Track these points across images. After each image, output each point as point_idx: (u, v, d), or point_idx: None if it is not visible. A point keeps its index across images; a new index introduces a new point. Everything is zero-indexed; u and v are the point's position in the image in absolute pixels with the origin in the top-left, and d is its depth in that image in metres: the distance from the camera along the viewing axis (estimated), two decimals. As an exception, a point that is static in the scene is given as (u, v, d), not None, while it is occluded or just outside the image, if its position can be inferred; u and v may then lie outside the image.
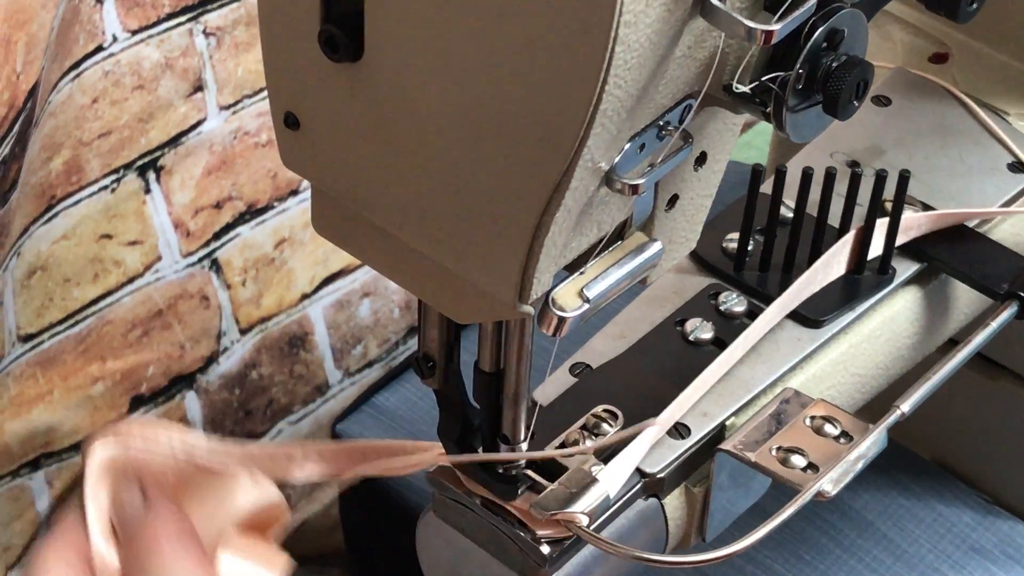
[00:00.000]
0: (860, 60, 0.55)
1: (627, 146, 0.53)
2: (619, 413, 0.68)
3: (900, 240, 0.73)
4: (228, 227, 1.13)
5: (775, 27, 0.49)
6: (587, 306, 0.58)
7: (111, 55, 1.02)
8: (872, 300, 0.73)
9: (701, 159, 0.60)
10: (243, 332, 1.17)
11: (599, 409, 0.68)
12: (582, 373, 0.71)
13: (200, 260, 1.12)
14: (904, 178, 0.71)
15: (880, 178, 0.72)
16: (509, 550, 0.68)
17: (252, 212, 1.14)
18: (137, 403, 1.11)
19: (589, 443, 0.68)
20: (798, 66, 0.53)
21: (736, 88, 0.54)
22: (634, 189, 0.54)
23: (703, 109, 0.56)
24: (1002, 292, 0.72)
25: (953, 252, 0.74)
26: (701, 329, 0.72)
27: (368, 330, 1.23)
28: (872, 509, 0.88)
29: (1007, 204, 0.76)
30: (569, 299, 0.57)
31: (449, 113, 0.53)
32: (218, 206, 1.12)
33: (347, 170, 0.59)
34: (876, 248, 0.73)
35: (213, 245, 1.13)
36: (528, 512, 0.67)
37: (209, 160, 1.10)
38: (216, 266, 1.14)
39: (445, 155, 0.54)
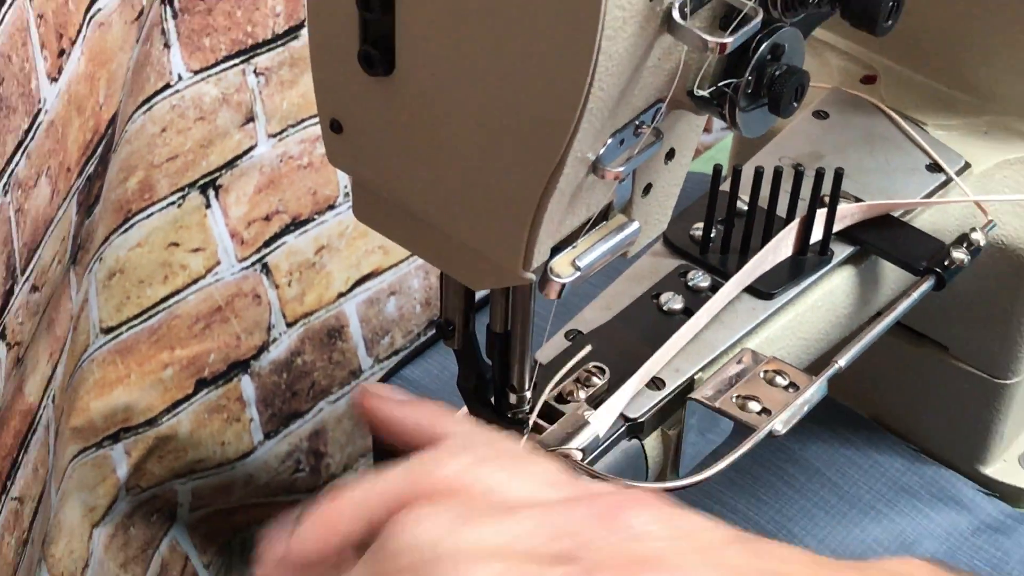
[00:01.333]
0: (798, 69, 0.55)
1: (609, 141, 0.54)
2: (606, 369, 0.68)
3: (837, 227, 0.73)
4: (276, 236, 1.13)
5: (728, 40, 0.50)
6: (578, 273, 0.58)
7: (177, 91, 1.02)
8: (814, 277, 0.73)
9: (670, 154, 0.60)
10: (289, 325, 1.17)
11: (590, 366, 0.69)
12: (575, 338, 0.71)
13: (252, 264, 1.13)
14: (839, 176, 0.71)
15: (819, 176, 0.72)
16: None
17: (296, 224, 1.14)
18: (200, 385, 1.12)
19: (582, 394, 0.69)
20: (747, 74, 0.54)
21: (697, 92, 0.55)
22: (615, 176, 0.55)
23: (671, 111, 0.57)
24: (921, 269, 0.73)
25: (881, 237, 0.74)
26: (672, 301, 0.72)
27: (394, 323, 1.24)
28: (819, 458, 0.88)
29: (926, 197, 0.77)
30: (564, 268, 0.57)
31: (465, 115, 0.54)
32: (267, 219, 1.12)
33: (382, 165, 0.59)
34: (817, 234, 0.73)
35: (263, 252, 1.13)
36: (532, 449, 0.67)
37: (259, 180, 1.10)
38: (266, 269, 1.14)
39: (462, 149, 0.55)
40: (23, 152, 0.82)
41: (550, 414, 0.69)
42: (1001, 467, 0.88)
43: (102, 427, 1.07)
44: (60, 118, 0.86)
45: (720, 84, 0.55)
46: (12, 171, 0.80)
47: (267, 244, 1.13)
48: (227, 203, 1.09)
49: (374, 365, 1.21)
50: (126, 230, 1.04)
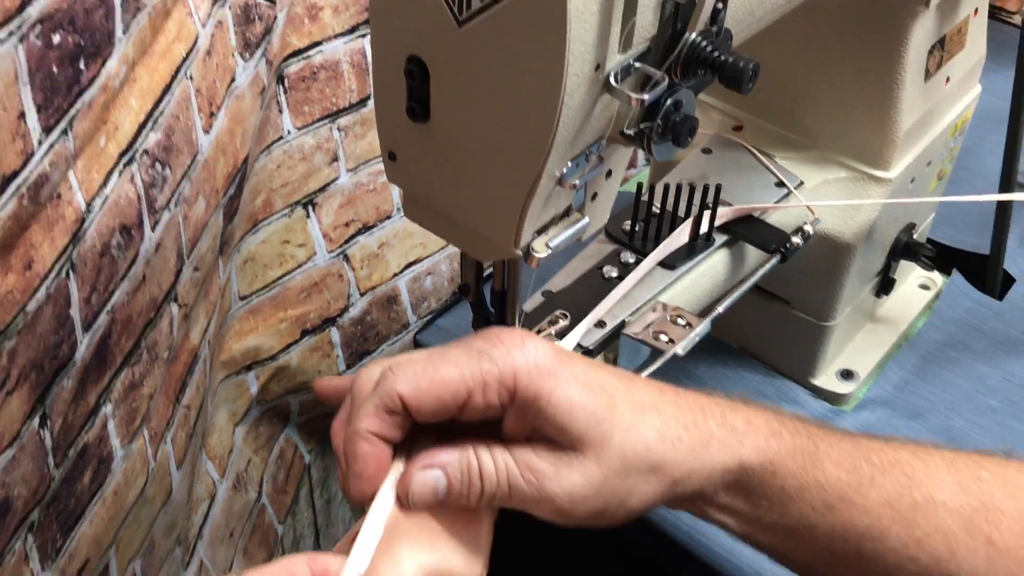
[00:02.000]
0: (691, 116, 0.53)
1: (569, 163, 0.52)
2: (568, 315, 0.67)
3: (717, 223, 0.71)
4: (352, 237, 1.11)
5: (645, 97, 0.49)
6: (550, 251, 0.55)
7: (287, 141, 1.00)
8: (702, 255, 0.71)
9: (609, 174, 0.58)
10: (361, 295, 1.15)
11: (557, 313, 0.67)
12: (547, 295, 0.69)
13: (337, 255, 1.11)
14: (718, 189, 0.70)
15: (705, 190, 0.71)
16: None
17: (365, 228, 1.12)
18: (304, 333, 1.09)
19: (552, 330, 0.66)
20: (658, 119, 0.52)
21: (626, 132, 0.53)
22: (572, 186, 0.53)
23: (609, 144, 0.55)
24: (772, 249, 0.72)
25: (746, 229, 0.72)
26: (611, 271, 0.70)
27: (430, 293, 1.21)
28: (705, 374, 0.87)
29: (776, 204, 0.75)
30: (541, 247, 0.55)
31: (476, 148, 0.53)
32: (347, 225, 1.10)
33: (422, 180, 0.57)
34: (704, 227, 0.71)
35: (344, 246, 1.11)
36: None
37: (341, 199, 1.08)
38: (346, 258, 1.12)
39: (474, 169, 0.54)
40: (186, 179, 0.80)
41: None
42: (825, 379, 0.86)
43: (240, 361, 1.06)
44: (211, 157, 0.84)
45: (640, 126, 0.53)
46: (179, 191, 0.78)
47: (347, 242, 1.11)
48: (320, 215, 1.07)
49: (417, 320, 1.19)
50: (255, 232, 1.02)
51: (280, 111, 0.98)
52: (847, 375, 0.85)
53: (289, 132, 1.00)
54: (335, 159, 1.05)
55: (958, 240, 0.94)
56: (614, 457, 0.47)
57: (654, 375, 0.63)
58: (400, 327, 1.20)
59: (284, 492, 1.18)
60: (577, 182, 0.52)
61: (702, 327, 0.64)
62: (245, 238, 1.01)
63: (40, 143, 0.59)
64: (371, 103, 1.05)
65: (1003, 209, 0.87)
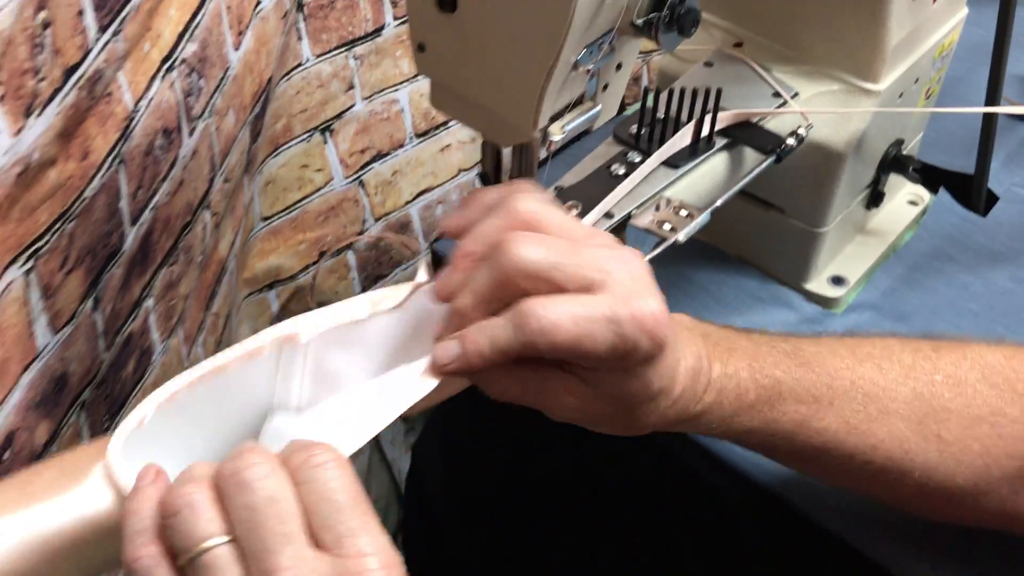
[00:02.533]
0: (695, 9, 0.57)
1: (583, 50, 0.55)
2: (579, 206, 0.68)
3: (717, 127, 0.74)
4: (367, 164, 1.16)
5: None
6: (564, 135, 0.59)
7: (305, 68, 1.05)
8: (703, 156, 0.73)
9: (619, 66, 0.61)
10: (376, 220, 1.20)
11: (569, 203, 0.68)
12: (559, 190, 0.71)
13: (353, 180, 1.15)
14: (719, 93, 0.73)
15: (707, 95, 0.73)
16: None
17: (380, 156, 1.16)
18: (322, 255, 1.15)
19: None
20: (664, 10, 0.56)
21: (636, 22, 0.56)
22: (587, 71, 0.56)
23: (620, 36, 0.57)
24: (768, 150, 0.75)
25: (744, 133, 0.76)
26: (618, 169, 0.72)
27: (439, 221, 1.28)
28: (705, 279, 0.89)
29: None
30: (556, 131, 0.59)
31: (500, 36, 0.55)
32: (362, 152, 1.15)
33: (450, 69, 0.59)
34: (706, 131, 0.74)
35: (360, 173, 1.16)
36: None
37: (356, 127, 1.13)
38: (362, 184, 1.17)
39: (498, 57, 0.56)
40: (218, 92, 0.84)
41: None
42: (816, 284, 0.88)
43: (262, 279, 1.11)
44: (239, 74, 0.88)
45: (648, 16, 0.56)
46: (212, 102, 0.82)
47: (362, 168, 1.16)
48: (337, 141, 1.12)
49: (427, 247, 1.23)
50: (276, 155, 1.07)
51: (299, 38, 1.03)
52: (837, 281, 0.89)
53: (308, 59, 1.05)
54: (351, 87, 1.10)
55: (945, 163, 0.99)
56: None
57: (657, 260, 0.66)
58: (411, 254, 1.25)
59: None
60: (591, 67, 0.56)
61: (702, 217, 0.67)
62: (267, 161, 1.06)
63: (96, 40, 0.64)
64: (386, 32, 1.10)
65: (987, 128, 0.92)
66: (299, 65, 1.05)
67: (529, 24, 0.54)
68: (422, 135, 1.19)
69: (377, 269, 1.22)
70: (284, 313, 1.14)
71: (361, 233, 1.18)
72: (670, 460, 0.82)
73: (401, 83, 1.14)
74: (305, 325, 0.53)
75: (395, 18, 1.11)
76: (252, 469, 0.43)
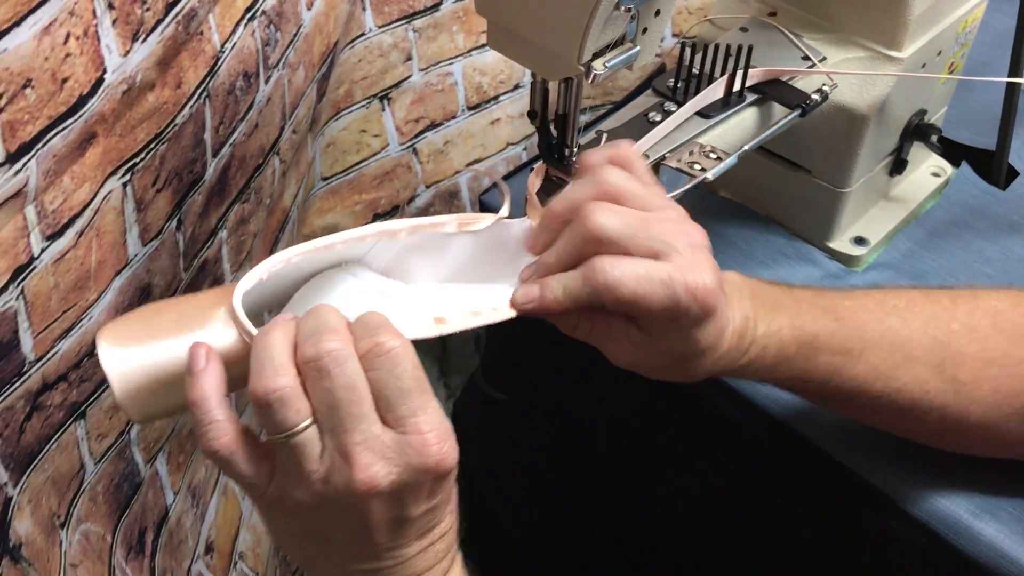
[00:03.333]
0: None
1: None
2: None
3: (748, 83, 0.79)
4: (421, 132, 1.21)
5: None
6: (607, 70, 0.63)
7: (368, 38, 1.10)
8: (735, 108, 0.79)
9: (657, 12, 0.65)
10: (427, 187, 1.25)
11: (607, 144, 0.69)
12: (599, 134, 0.75)
13: (407, 147, 1.20)
14: (750, 50, 0.78)
15: (739, 51, 0.79)
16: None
17: (433, 126, 1.21)
18: (375, 217, 1.21)
19: None
20: None
21: None
22: (627, 10, 0.61)
23: None
24: (794, 105, 0.80)
25: (773, 89, 0.81)
26: (655, 116, 0.77)
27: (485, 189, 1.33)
28: (734, 235, 0.94)
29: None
30: (599, 66, 0.63)
31: None
32: (416, 121, 1.20)
33: (506, 10, 0.64)
34: (737, 86, 0.79)
35: (414, 141, 1.21)
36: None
37: (412, 96, 1.18)
38: (415, 151, 1.22)
39: None
40: (291, 47, 0.89)
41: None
42: (840, 243, 0.93)
43: (320, 235, 1.18)
44: (310, 33, 0.94)
45: None
46: (286, 55, 0.89)
47: (416, 136, 1.21)
48: (394, 109, 1.17)
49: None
50: (337, 119, 1.13)
51: (364, 9, 1.10)
52: (860, 241, 0.94)
53: (370, 29, 1.11)
54: (409, 58, 1.16)
55: (969, 140, 1.03)
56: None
57: (685, 197, 0.73)
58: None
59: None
60: (632, 6, 0.61)
61: (730, 159, 0.73)
62: (328, 123, 1.12)
63: (192, -19, 0.72)
64: (443, 8, 1.17)
65: (1009, 105, 0.97)
66: (362, 35, 1.11)
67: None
68: (473, 108, 1.26)
69: (427, 233, 1.27)
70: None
71: (413, 199, 1.24)
72: (697, 398, 0.88)
73: (456, 57, 1.20)
74: (404, 225, 0.62)
75: (453, -6, 1.17)
76: (330, 356, 0.51)
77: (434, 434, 0.51)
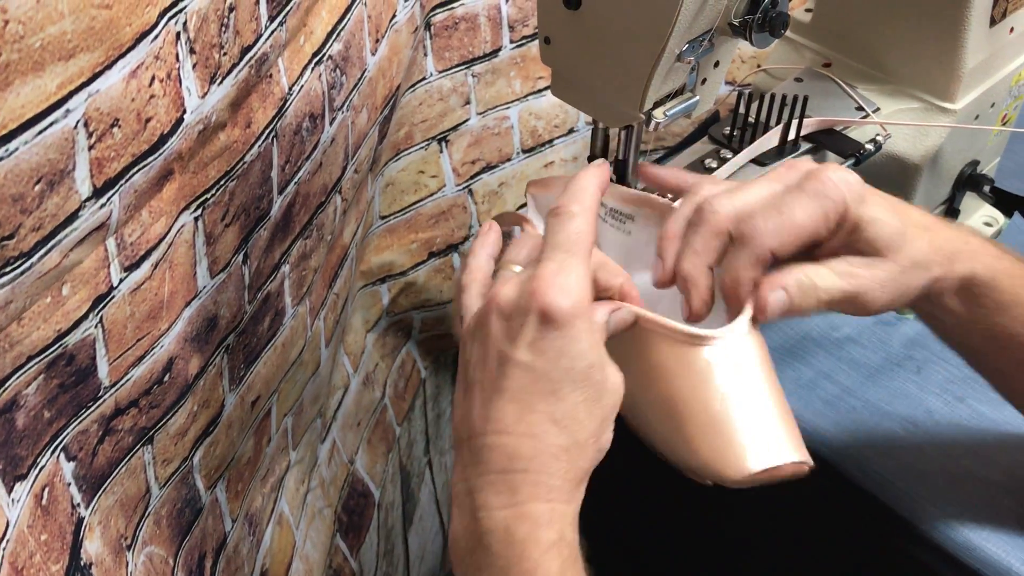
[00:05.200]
0: (784, 13, 0.62)
1: (686, 44, 0.62)
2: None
3: (803, 131, 0.81)
4: (477, 174, 1.23)
5: None
6: (667, 118, 0.65)
7: (428, 82, 1.13)
8: (788, 157, 0.80)
9: (716, 64, 0.67)
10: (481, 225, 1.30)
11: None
12: None
13: (463, 188, 1.22)
14: (805, 99, 0.80)
15: (795, 101, 0.80)
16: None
17: (488, 168, 1.23)
18: (431, 255, 1.22)
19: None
20: (758, 13, 0.62)
21: (732, 22, 0.63)
22: (688, 63, 0.63)
23: (718, 35, 0.64)
24: (848, 154, 0.81)
25: (827, 139, 0.82)
26: (711, 163, 0.80)
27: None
28: None
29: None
30: (659, 115, 0.65)
31: (617, 31, 0.62)
32: (473, 163, 1.22)
33: (571, 61, 0.66)
34: (792, 135, 0.81)
35: (470, 182, 1.23)
36: None
37: (469, 139, 1.20)
38: (471, 192, 1.24)
39: (613, 49, 0.63)
40: (356, 90, 0.92)
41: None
42: None
43: (376, 273, 1.19)
44: (374, 77, 0.96)
45: (744, 17, 0.63)
46: (350, 98, 0.91)
47: (472, 178, 1.23)
48: (451, 151, 1.20)
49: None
50: (396, 159, 1.15)
51: (425, 54, 1.13)
52: (913, 288, 0.95)
53: (431, 74, 1.14)
54: (467, 102, 1.19)
55: (1021, 190, 1.05)
56: (905, 259, 0.61)
57: None
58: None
59: (403, 399, 1.32)
60: (692, 60, 0.63)
61: None
62: (388, 164, 1.15)
63: (266, 27, 0.75)
64: (502, 54, 1.20)
65: (1062, 157, 0.98)
66: (423, 79, 1.14)
67: (641, 19, 0.63)
68: (528, 151, 1.28)
69: (480, 272, 1.29)
70: (393, 307, 1.23)
71: (467, 238, 1.26)
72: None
73: (513, 102, 1.23)
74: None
75: (511, 41, 1.20)
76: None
77: (547, 280, 0.53)
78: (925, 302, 0.65)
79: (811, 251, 0.62)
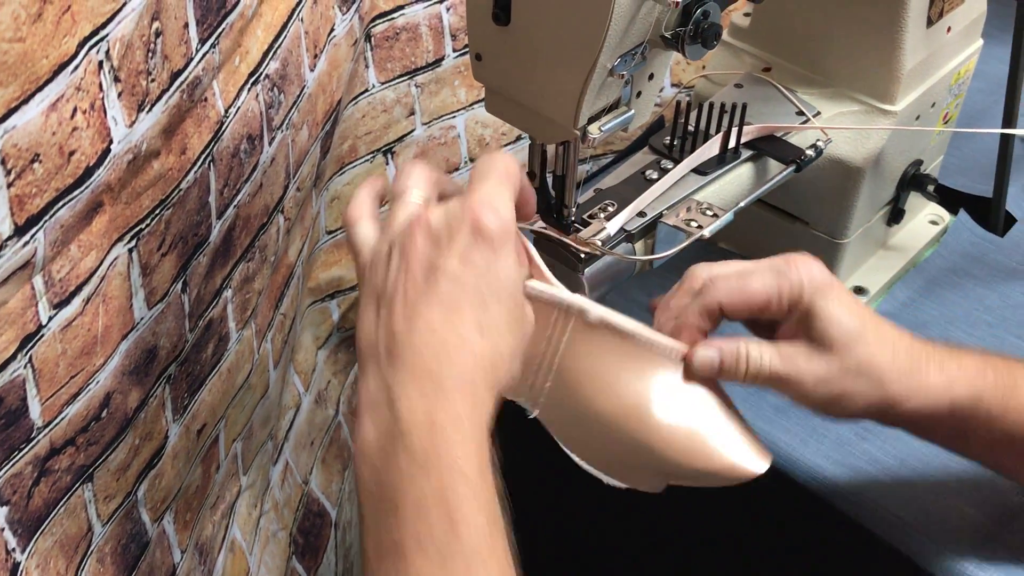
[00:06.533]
0: (716, 24, 0.63)
1: (618, 59, 0.62)
2: (616, 204, 0.76)
3: (744, 139, 0.81)
4: None
5: (680, 1, 0.60)
6: (602, 134, 0.65)
7: (371, 94, 1.12)
8: (730, 165, 0.80)
9: (651, 76, 0.67)
10: None
11: (606, 201, 0.76)
12: (598, 192, 0.78)
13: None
14: (744, 107, 0.80)
15: (734, 109, 0.80)
16: (567, 260, 0.74)
17: None
18: None
19: (602, 215, 0.75)
20: (690, 25, 0.62)
21: (665, 35, 0.63)
22: (621, 77, 0.63)
23: (651, 48, 0.64)
24: (788, 160, 0.81)
25: (768, 145, 0.82)
26: (652, 174, 0.79)
27: None
28: None
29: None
30: (595, 131, 0.66)
31: (547, 46, 0.63)
32: None
33: (502, 76, 0.66)
34: (732, 142, 0.81)
35: None
36: (575, 239, 0.74)
37: (416, 150, 1.19)
38: None
39: (544, 64, 0.63)
40: (295, 107, 0.91)
41: (584, 223, 0.75)
42: None
43: (325, 289, 1.17)
44: (313, 93, 0.95)
45: (676, 29, 0.63)
46: (289, 116, 0.90)
47: None
48: (398, 163, 1.18)
49: None
50: (342, 173, 1.14)
51: (367, 66, 1.11)
52: (859, 290, 0.95)
53: (373, 86, 1.13)
54: (412, 113, 1.18)
55: (966, 187, 1.06)
56: (853, 361, 0.62)
57: (682, 255, 0.74)
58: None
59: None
60: (625, 74, 0.63)
61: (726, 216, 0.75)
62: (333, 178, 1.14)
63: (197, 50, 0.74)
64: (445, 63, 1.19)
65: (1004, 152, 0.99)
66: (365, 91, 1.13)
67: (571, 35, 0.63)
68: (476, 160, 1.27)
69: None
70: (343, 322, 1.22)
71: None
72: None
73: (458, 111, 1.22)
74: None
75: (454, 50, 1.19)
76: None
77: (483, 200, 0.56)
78: (903, 422, 0.66)
79: (772, 328, 0.65)
